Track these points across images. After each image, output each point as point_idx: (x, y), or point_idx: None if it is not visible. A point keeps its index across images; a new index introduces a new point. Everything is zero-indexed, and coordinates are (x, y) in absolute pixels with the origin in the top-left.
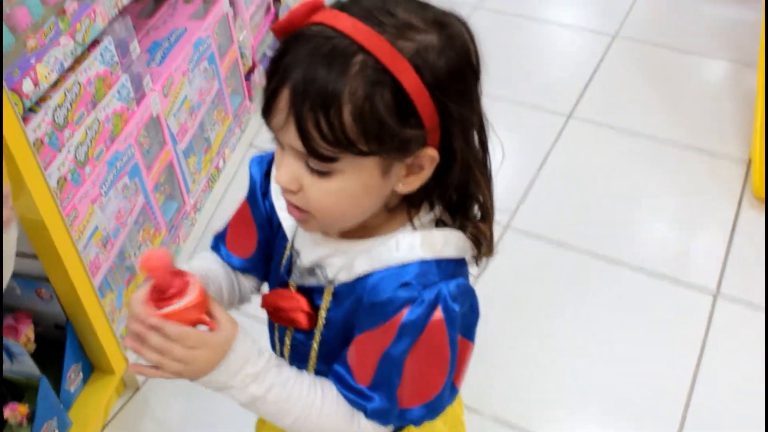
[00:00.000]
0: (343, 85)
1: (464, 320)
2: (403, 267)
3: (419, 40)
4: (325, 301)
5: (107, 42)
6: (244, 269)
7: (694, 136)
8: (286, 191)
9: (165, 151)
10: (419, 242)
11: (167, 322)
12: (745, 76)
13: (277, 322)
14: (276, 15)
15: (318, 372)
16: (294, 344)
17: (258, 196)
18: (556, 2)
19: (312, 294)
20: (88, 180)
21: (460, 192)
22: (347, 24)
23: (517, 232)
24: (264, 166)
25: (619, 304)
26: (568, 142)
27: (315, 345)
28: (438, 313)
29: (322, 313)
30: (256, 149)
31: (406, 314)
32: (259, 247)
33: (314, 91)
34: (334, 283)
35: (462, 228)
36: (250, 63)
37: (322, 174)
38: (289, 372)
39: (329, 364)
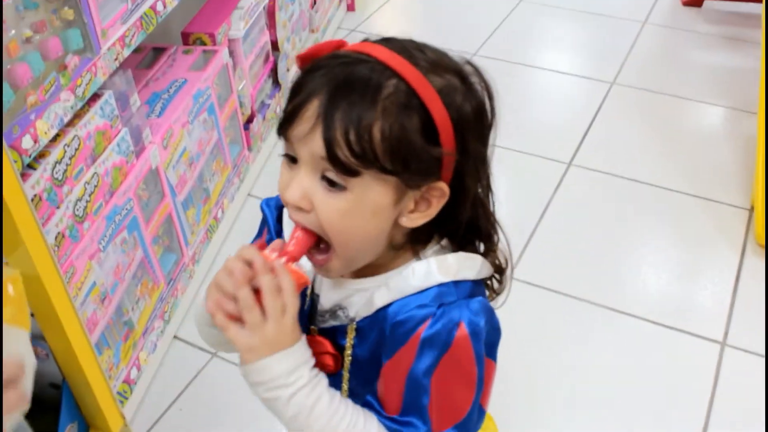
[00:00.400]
0: (376, 102)
1: (487, 338)
2: (422, 293)
3: (447, 79)
4: (350, 339)
5: (107, 96)
6: None
7: (695, 184)
8: (296, 212)
9: (164, 203)
10: (435, 267)
11: (288, 272)
12: (744, 122)
13: None
14: (275, 63)
15: None
16: None
17: (272, 237)
18: (553, 50)
19: (335, 335)
20: (87, 235)
21: (468, 228)
22: (383, 52)
23: (520, 283)
24: (274, 211)
25: (626, 354)
26: (569, 190)
27: (345, 386)
28: (462, 329)
29: (348, 352)
30: (254, 199)
31: (424, 330)
32: None
33: (348, 101)
34: (356, 319)
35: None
36: (249, 112)
37: (335, 188)
38: (335, 390)
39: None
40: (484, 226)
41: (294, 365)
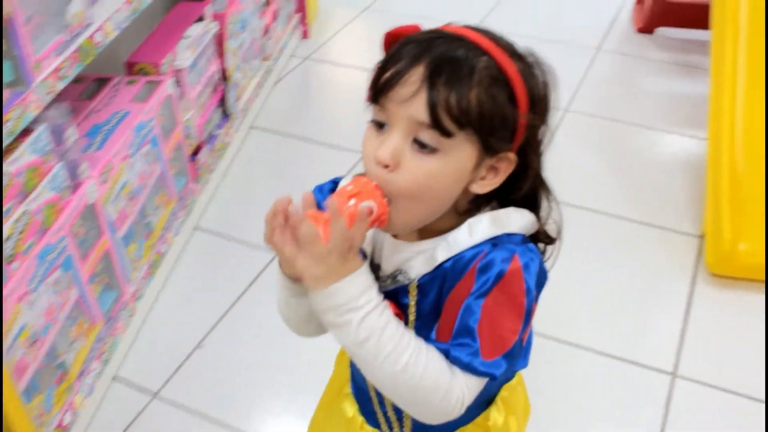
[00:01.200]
0: (473, 73)
1: (536, 278)
2: (478, 244)
3: (522, 63)
4: (412, 297)
5: (40, 130)
6: None
7: (646, 211)
8: (379, 166)
9: (102, 240)
10: (489, 221)
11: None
12: (696, 148)
13: None
14: (224, 93)
15: None
16: None
17: None
18: None
19: (397, 296)
20: (15, 276)
21: (527, 197)
22: (472, 34)
23: None
24: (327, 192)
25: (576, 385)
26: None
27: None
28: (516, 261)
29: (412, 310)
30: (202, 232)
31: (480, 261)
32: None
33: (451, 69)
34: (418, 277)
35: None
36: (196, 142)
37: (426, 150)
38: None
39: None
40: (540, 198)
41: (363, 287)
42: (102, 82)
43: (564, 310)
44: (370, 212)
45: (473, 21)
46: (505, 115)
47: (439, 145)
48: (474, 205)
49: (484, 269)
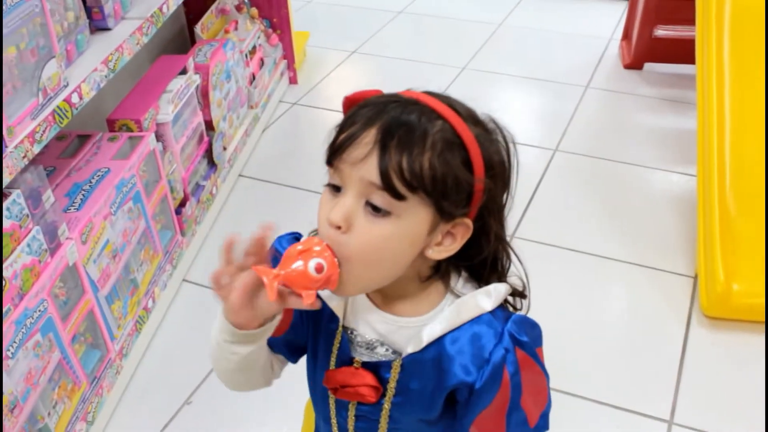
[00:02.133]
0: (426, 137)
1: (535, 338)
2: (471, 322)
3: (480, 129)
4: (394, 373)
5: (15, 195)
6: (275, 347)
7: (638, 252)
8: (331, 228)
9: (84, 300)
10: (481, 299)
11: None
12: (688, 185)
13: (342, 397)
14: (210, 144)
15: None
16: (358, 415)
17: None
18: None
19: (378, 369)
20: None
21: (490, 261)
22: (429, 99)
23: None
24: (286, 243)
25: None
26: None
27: (385, 414)
28: (519, 352)
29: (392, 385)
30: (190, 284)
31: (508, 371)
32: (292, 328)
33: (404, 132)
34: (402, 355)
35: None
36: (181, 195)
37: (379, 213)
38: None
39: None
40: (502, 260)
41: None
42: (84, 138)
43: (557, 358)
44: (320, 269)
45: (461, 62)
46: (459, 180)
47: (391, 208)
48: (435, 270)
49: (515, 377)
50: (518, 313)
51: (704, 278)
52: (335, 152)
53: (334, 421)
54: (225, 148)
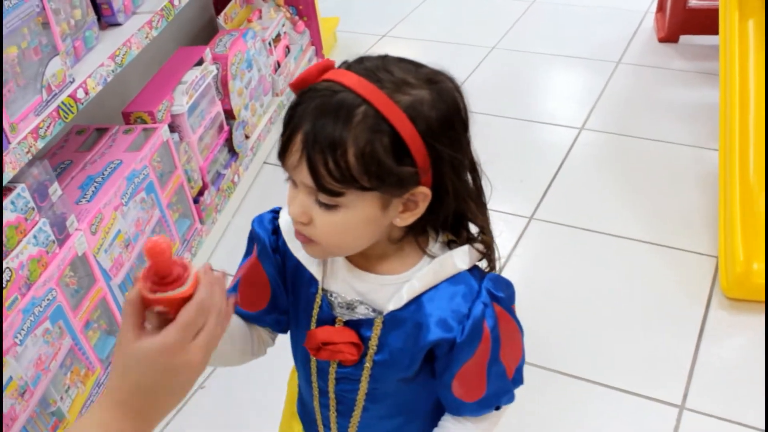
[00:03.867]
0: (348, 131)
1: (509, 296)
2: (449, 281)
3: (414, 95)
4: (376, 331)
5: (19, 189)
6: (258, 321)
7: (662, 233)
8: (297, 223)
9: (96, 288)
10: (457, 260)
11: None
12: (717, 162)
13: (323, 357)
14: (230, 133)
15: (365, 412)
16: (339, 377)
17: (269, 252)
18: (525, 97)
19: (359, 327)
20: None
21: (457, 219)
22: (352, 80)
23: None
24: (268, 225)
25: (584, 419)
26: (532, 241)
27: (366, 374)
28: (497, 307)
29: (373, 342)
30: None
31: (487, 324)
32: (272, 300)
33: (323, 137)
34: (383, 312)
35: (470, 242)
36: (200, 184)
37: (329, 207)
38: None
39: (376, 399)
40: (470, 216)
41: None
42: (102, 132)
43: (572, 341)
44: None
45: (492, 42)
46: (390, 165)
47: (335, 202)
48: (407, 231)
49: (494, 331)
50: (491, 274)
51: (724, 258)
52: (279, 156)
53: (315, 384)
54: (247, 137)
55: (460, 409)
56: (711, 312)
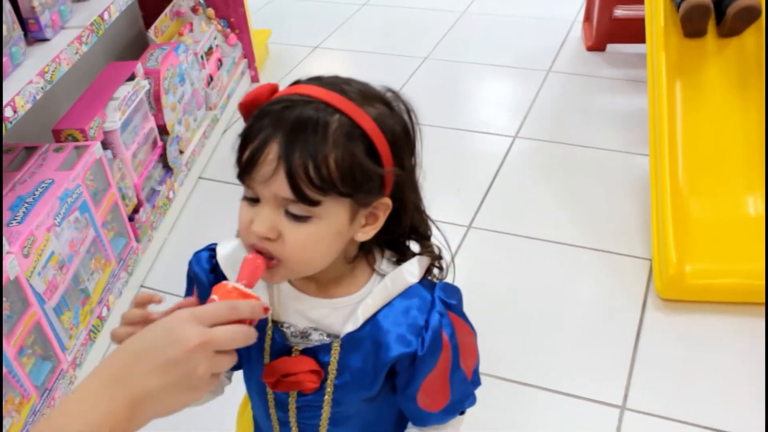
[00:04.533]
0: (327, 137)
1: (459, 302)
2: (401, 296)
3: (377, 107)
4: (334, 354)
5: None
6: None
7: (597, 237)
8: (262, 240)
9: (29, 313)
10: (405, 273)
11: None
12: (648, 168)
13: (282, 389)
14: (164, 148)
15: None
16: (300, 406)
17: (209, 291)
18: (456, 107)
19: (316, 354)
20: None
21: (402, 236)
22: (319, 91)
23: None
24: (206, 264)
25: (530, 425)
26: (470, 250)
27: (328, 398)
28: (452, 315)
29: (332, 366)
30: (149, 290)
31: (446, 333)
32: None
33: (303, 140)
34: (340, 335)
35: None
36: (135, 202)
37: (301, 219)
38: None
39: (339, 422)
40: (422, 228)
41: None
42: (31, 150)
43: (512, 346)
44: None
45: (424, 52)
46: (367, 170)
47: (310, 212)
48: (362, 250)
49: (452, 340)
50: (441, 282)
51: (658, 260)
52: (244, 171)
53: (274, 417)
54: (182, 152)
55: (426, 420)
56: (647, 313)
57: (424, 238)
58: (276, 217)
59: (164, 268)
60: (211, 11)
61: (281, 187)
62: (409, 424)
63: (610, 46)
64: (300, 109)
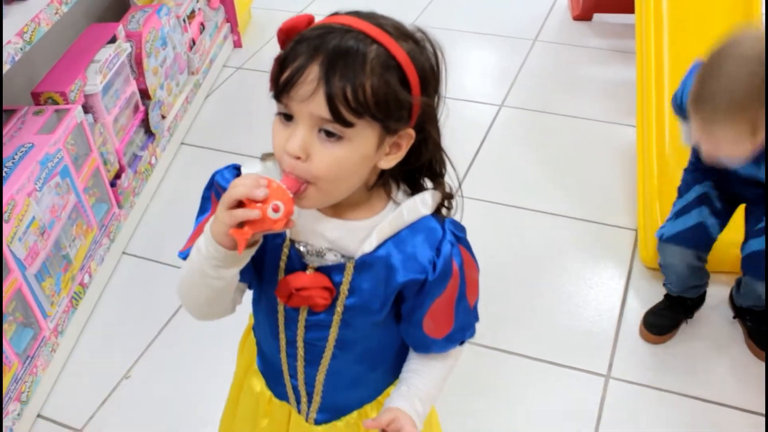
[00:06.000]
0: (365, 64)
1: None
2: (414, 224)
3: (410, 43)
4: (347, 276)
5: None
6: None
7: (583, 207)
8: (292, 159)
9: (10, 279)
10: (419, 204)
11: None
12: (633, 138)
13: (295, 304)
14: (146, 113)
15: (333, 359)
16: (309, 325)
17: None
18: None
19: (330, 273)
20: None
21: (419, 171)
22: (360, 23)
23: None
24: (230, 177)
25: (516, 393)
26: (456, 219)
27: (336, 318)
28: (465, 253)
29: (344, 287)
30: (131, 257)
31: (456, 262)
32: None
33: (344, 64)
34: (354, 257)
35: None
36: (116, 167)
37: (334, 139)
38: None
39: (345, 346)
40: (438, 165)
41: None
42: (10, 113)
43: (498, 315)
44: (277, 209)
45: (408, 19)
46: (400, 99)
47: (342, 133)
48: (380, 178)
49: (461, 269)
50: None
51: (643, 229)
52: (282, 90)
53: (282, 335)
54: (164, 117)
55: (430, 347)
56: (632, 282)
57: (438, 176)
58: (309, 137)
59: (147, 235)
60: None
61: (319, 106)
62: (411, 352)
63: (596, 16)
64: (340, 37)
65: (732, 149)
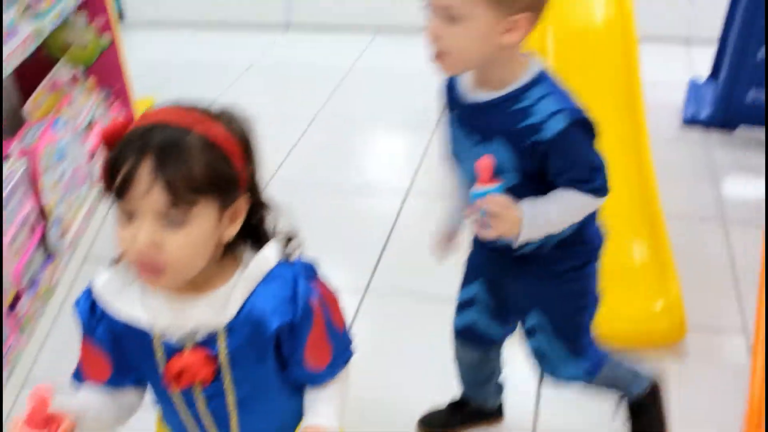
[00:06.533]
0: (192, 148)
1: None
2: (267, 277)
3: (221, 123)
4: (221, 343)
5: None
6: (116, 384)
7: None
8: (145, 254)
9: None
10: (270, 257)
11: None
12: None
13: (184, 385)
14: (44, 232)
15: (242, 416)
16: (207, 396)
17: (93, 326)
18: (350, 167)
19: (206, 347)
20: None
21: (257, 226)
22: (174, 116)
23: None
24: (85, 304)
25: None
26: (368, 315)
27: (228, 381)
28: (315, 281)
29: (223, 354)
30: (34, 384)
31: (315, 297)
32: (116, 364)
33: (172, 156)
34: (222, 324)
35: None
36: (14, 291)
37: (179, 224)
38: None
39: (250, 410)
40: (270, 217)
41: None
42: None
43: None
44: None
45: (312, 112)
46: (227, 173)
47: (185, 216)
48: (227, 249)
49: (321, 303)
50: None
51: None
52: (121, 191)
53: (188, 416)
54: (64, 234)
55: (318, 379)
56: None
57: (274, 226)
58: (155, 230)
59: (50, 359)
60: (91, 81)
61: (159, 197)
62: (307, 389)
63: None
64: (161, 132)
65: None
